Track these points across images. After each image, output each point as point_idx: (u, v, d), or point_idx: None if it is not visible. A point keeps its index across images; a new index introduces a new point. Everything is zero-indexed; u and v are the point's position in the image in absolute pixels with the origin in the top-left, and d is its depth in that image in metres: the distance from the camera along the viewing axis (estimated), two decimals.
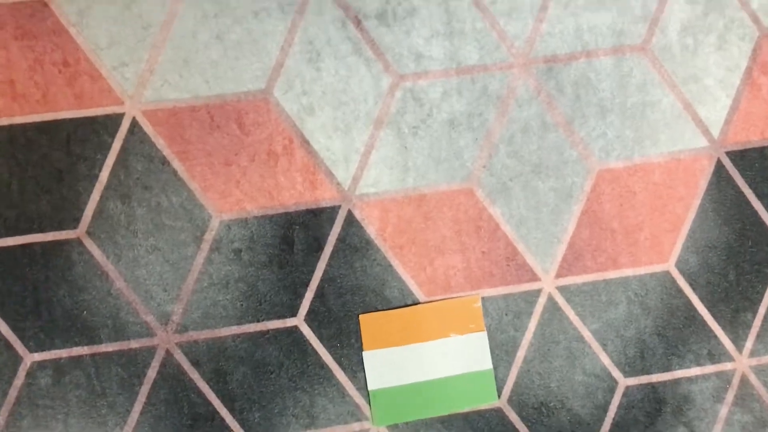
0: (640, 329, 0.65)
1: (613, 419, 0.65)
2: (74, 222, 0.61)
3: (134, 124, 0.62)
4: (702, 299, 0.66)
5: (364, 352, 0.62)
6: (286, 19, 0.63)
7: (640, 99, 0.66)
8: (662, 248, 0.66)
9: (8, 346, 0.61)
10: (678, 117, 0.66)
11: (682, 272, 0.66)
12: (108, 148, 0.62)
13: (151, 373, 0.61)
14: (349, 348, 0.63)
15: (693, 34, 0.67)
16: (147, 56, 0.62)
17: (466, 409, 0.63)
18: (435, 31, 0.65)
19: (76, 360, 0.61)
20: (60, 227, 0.61)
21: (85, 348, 0.61)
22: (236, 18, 0.63)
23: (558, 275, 0.65)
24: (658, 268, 0.66)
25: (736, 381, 0.66)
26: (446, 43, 0.65)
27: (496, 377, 0.64)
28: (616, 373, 0.65)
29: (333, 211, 0.63)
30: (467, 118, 0.65)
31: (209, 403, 0.62)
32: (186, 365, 0.62)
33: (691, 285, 0.66)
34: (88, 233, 0.61)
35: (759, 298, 0.66)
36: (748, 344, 0.66)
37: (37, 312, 0.61)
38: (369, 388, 0.62)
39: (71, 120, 0.62)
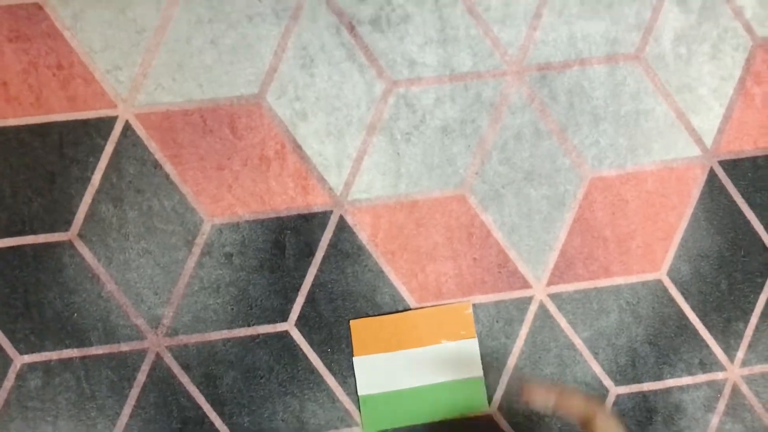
0: (631, 338, 0.65)
1: None
2: (66, 224, 0.61)
3: (127, 127, 0.62)
4: (694, 308, 0.66)
5: (354, 358, 0.62)
6: (280, 24, 0.64)
7: (634, 107, 0.66)
8: (654, 257, 0.66)
9: None
10: (671, 126, 0.66)
11: (674, 281, 0.66)
12: (101, 151, 0.62)
13: (141, 377, 0.61)
14: (339, 353, 0.63)
15: (687, 43, 0.67)
16: (141, 60, 0.63)
17: (456, 416, 0.63)
18: (428, 38, 0.65)
19: (66, 362, 0.61)
20: (51, 229, 0.61)
21: (75, 350, 0.61)
22: (230, 23, 0.63)
23: (550, 283, 0.65)
24: (650, 276, 0.65)
25: (727, 390, 0.66)
26: (440, 49, 0.65)
27: (486, 384, 0.63)
28: (608, 382, 0.65)
29: (325, 216, 0.63)
30: (460, 125, 0.65)
31: (199, 407, 0.61)
32: (176, 369, 0.61)
33: (682, 294, 0.66)
34: (80, 236, 0.61)
35: (751, 308, 0.66)
36: (740, 354, 0.66)
37: (28, 314, 0.61)
38: (359, 394, 0.62)
39: (64, 123, 0.62)
